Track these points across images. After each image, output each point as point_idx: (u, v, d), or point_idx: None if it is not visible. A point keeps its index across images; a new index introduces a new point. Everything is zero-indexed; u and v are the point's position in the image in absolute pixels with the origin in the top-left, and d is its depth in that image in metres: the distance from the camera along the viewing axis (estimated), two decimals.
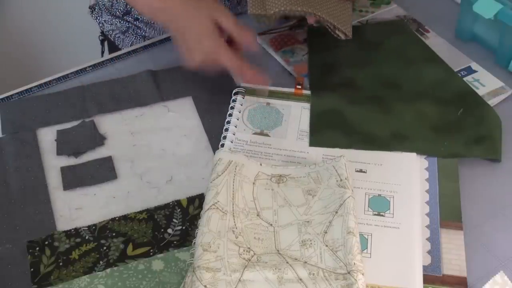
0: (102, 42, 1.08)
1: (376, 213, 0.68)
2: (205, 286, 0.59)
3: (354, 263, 0.60)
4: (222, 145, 0.76)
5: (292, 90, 0.82)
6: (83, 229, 0.68)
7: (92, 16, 1.05)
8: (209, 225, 0.64)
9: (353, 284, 0.59)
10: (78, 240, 0.67)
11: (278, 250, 0.64)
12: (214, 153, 0.72)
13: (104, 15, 1.03)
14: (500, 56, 0.86)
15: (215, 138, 0.77)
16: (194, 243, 0.64)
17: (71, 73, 0.87)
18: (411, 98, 0.81)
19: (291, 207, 0.68)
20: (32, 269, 0.65)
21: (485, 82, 0.84)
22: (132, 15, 0.99)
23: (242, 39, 0.76)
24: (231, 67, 0.75)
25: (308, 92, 0.82)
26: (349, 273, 0.60)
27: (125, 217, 0.69)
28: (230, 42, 0.76)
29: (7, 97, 0.84)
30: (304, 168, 0.71)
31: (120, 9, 0.99)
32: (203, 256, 0.61)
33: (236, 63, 0.74)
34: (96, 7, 1.04)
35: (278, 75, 0.87)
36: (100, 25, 1.05)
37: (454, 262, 0.64)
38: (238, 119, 0.79)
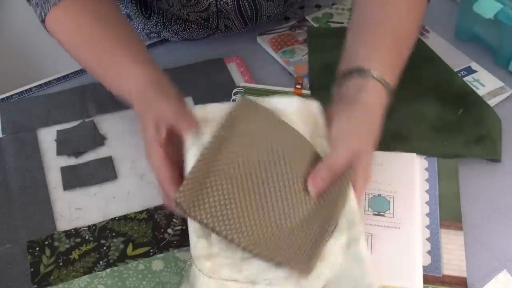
0: None
1: (376, 213, 0.68)
2: (209, 276, 0.55)
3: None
4: None
5: (292, 90, 0.82)
6: (83, 229, 0.68)
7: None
8: None
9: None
10: (78, 240, 0.67)
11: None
12: None
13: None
14: (500, 56, 0.86)
15: None
16: None
17: (71, 73, 0.87)
18: (411, 98, 0.81)
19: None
20: (32, 269, 0.65)
21: (485, 82, 0.84)
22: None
23: (182, 128, 0.63)
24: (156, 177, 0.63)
25: (308, 92, 0.82)
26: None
27: (125, 217, 0.70)
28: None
29: (7, 97, 0.84)
30: None
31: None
32: (198, 244, 0.57)
33: (160, 176, 0.62)
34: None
35: (278, 75, 0.87)
36: None
37: (454, 262, 0.64)
38: None
